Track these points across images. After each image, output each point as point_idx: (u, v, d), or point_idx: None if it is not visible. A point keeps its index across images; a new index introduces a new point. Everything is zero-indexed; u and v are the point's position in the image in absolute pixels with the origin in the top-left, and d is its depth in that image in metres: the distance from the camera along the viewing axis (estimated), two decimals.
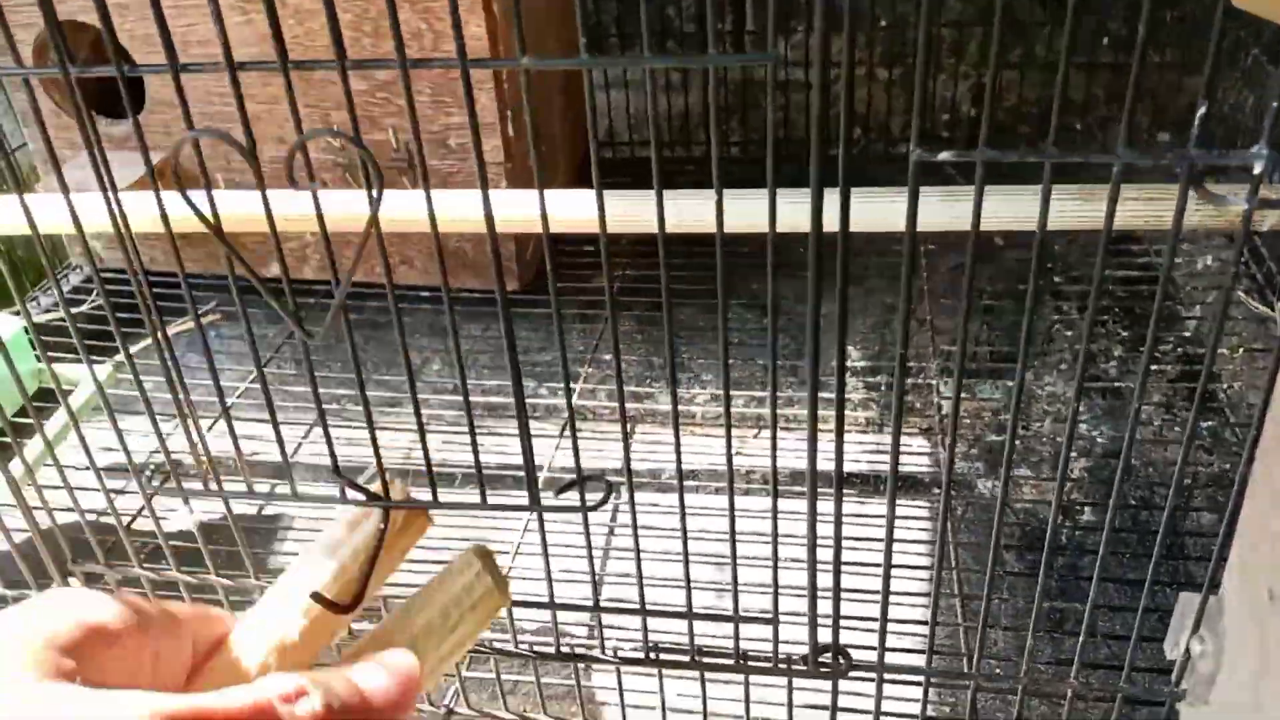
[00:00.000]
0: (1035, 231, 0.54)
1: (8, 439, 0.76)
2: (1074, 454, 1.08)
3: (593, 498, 0.67)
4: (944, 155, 0.53)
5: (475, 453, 0.65)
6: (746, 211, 0.79)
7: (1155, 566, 0.66)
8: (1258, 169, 0.50)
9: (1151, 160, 0.54)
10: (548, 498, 0.67)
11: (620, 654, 0.73)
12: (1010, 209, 0.83)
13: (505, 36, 1.24)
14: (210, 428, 0.80)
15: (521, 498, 0.68)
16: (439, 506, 0.68)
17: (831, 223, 0.54)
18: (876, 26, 1.65)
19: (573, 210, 0.95)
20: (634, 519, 0.66)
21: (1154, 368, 1.18)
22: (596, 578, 0.67)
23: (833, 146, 0.51)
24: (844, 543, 0.76)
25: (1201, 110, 0.50)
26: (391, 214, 1.02)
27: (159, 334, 0.64)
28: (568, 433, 1.18)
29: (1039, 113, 1.71)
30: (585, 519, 0.68)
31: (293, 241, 1.36)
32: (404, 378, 1.26)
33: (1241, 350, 1.17)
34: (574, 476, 0.66)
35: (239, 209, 0.61)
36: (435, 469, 1.15)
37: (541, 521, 0.69)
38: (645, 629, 0.70)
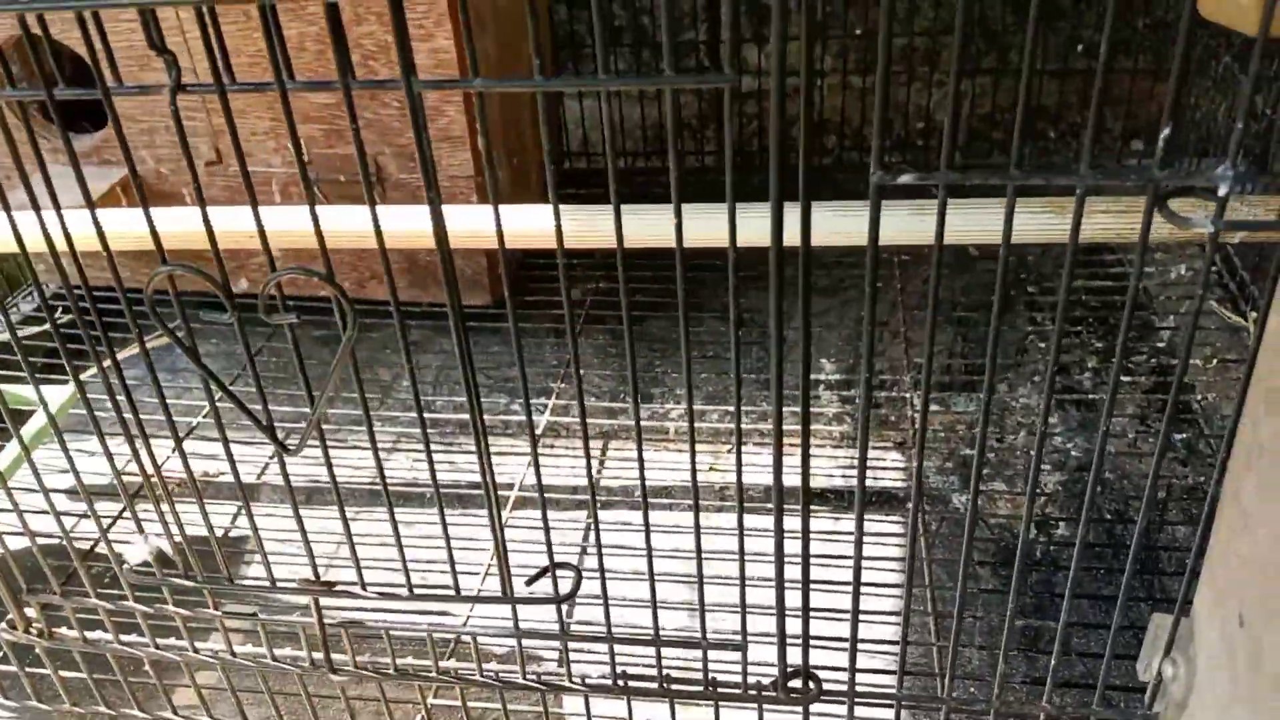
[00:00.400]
0: (1007, 244, 0.54)
1: None
2: (1048, 467, 1.07)
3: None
4: (905, 178, 0.52)
5: (448, 547, 0.64)
6: (708, 227, 0.78)
7: (1129, 582, 0.65)
8: (1223, 190, 0.49)
9: (1115, 180, 0.53)
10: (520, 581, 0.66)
11: (588, 681, 0.72)
12: (977, 222, 0.82)
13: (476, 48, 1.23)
14: (176, 448, 0.78)
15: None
16: (417, 598, 0.67)
17: (793, 238, 0.53)
18: (851, 34, 1.65)
19: (536, 225, 0.94)
20: (599, 548, 0.65)
21: (1128, 379, 1.17)
22: (564, 603, 0.66)
23: (804, 157, 0.50)
24: (818, 560, 0.75)
25: (1165, 132, 0.50)
26: (355, 229, 1.01)
27: (101, 362, 0.62)
28: (541, 450, 1.17)
29: (1014, 120, 1.71)
30: (559, 610, 0.67)
31: (260, 257, 1.35)
32: (375, 395, 1.24)
33: (1215, 360, 1.17)
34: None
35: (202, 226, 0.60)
36: (406, 489, 1.13)
37: (515, 611, 0.68)
38: (613, 656, 0.69)
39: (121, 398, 0.63)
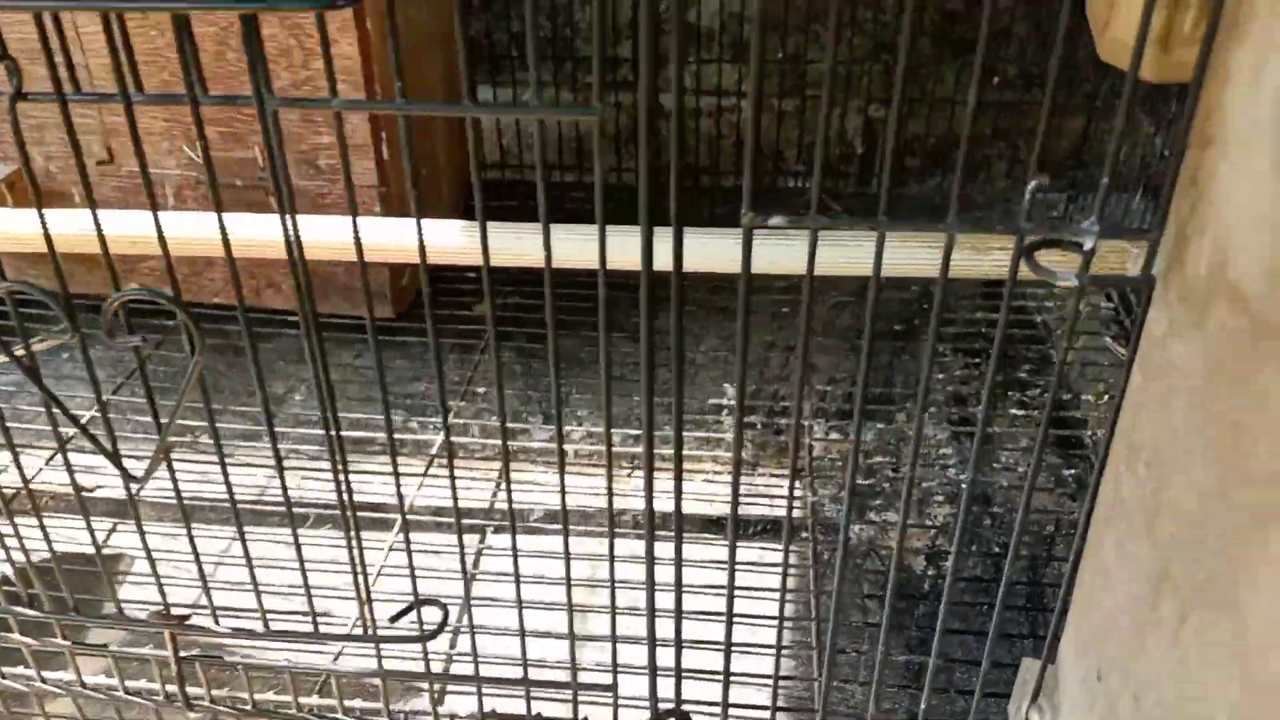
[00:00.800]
0: (916, 273, 0.53)
1: None
2: (940, 499, 1.07)
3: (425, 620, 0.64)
4: (775, 220, 0.52)
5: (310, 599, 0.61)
6: (584, 250, 0.76)
7: (1007, 620, 0.65)
8: (1088, 245, 0.49)
9: (982, 232, 0.53)
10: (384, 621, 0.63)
11: None
12: (852, 256, 0.82)
13: (380, 56, 1.20)
14: (50, 460, 0.74)
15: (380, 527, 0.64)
16: (274, 636, 0.64)
17: (664, 263, 0.52)
18: (772, 59, 1.65)
19: (437, 240, 0.92)
20: (466, 582, 0.63)
21: (1021, 413, 1.18)
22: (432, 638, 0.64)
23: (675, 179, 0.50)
24: (708, 590, 0.73)
25: (1032, 184, 0.49)
26: (252, 238, 0.97)
27: None
28: (435, 470, 1.14)
29: (928, 149, 1.73)
30: (425, 649, 0.65)
31: (152, 261, 1.30)
32: (263, 409, 1.20)
33: (1108, 397, 1.18)
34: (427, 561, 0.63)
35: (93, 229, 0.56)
36: (292, 509, 1.09)
37: (378, 649, 0.65)
38: (480, 697, 0.67)
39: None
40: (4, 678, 0.73)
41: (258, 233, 0.96)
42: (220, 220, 0.52)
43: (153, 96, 0.50)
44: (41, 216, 0.54)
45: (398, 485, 0.60)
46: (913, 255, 0.88)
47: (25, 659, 0.72)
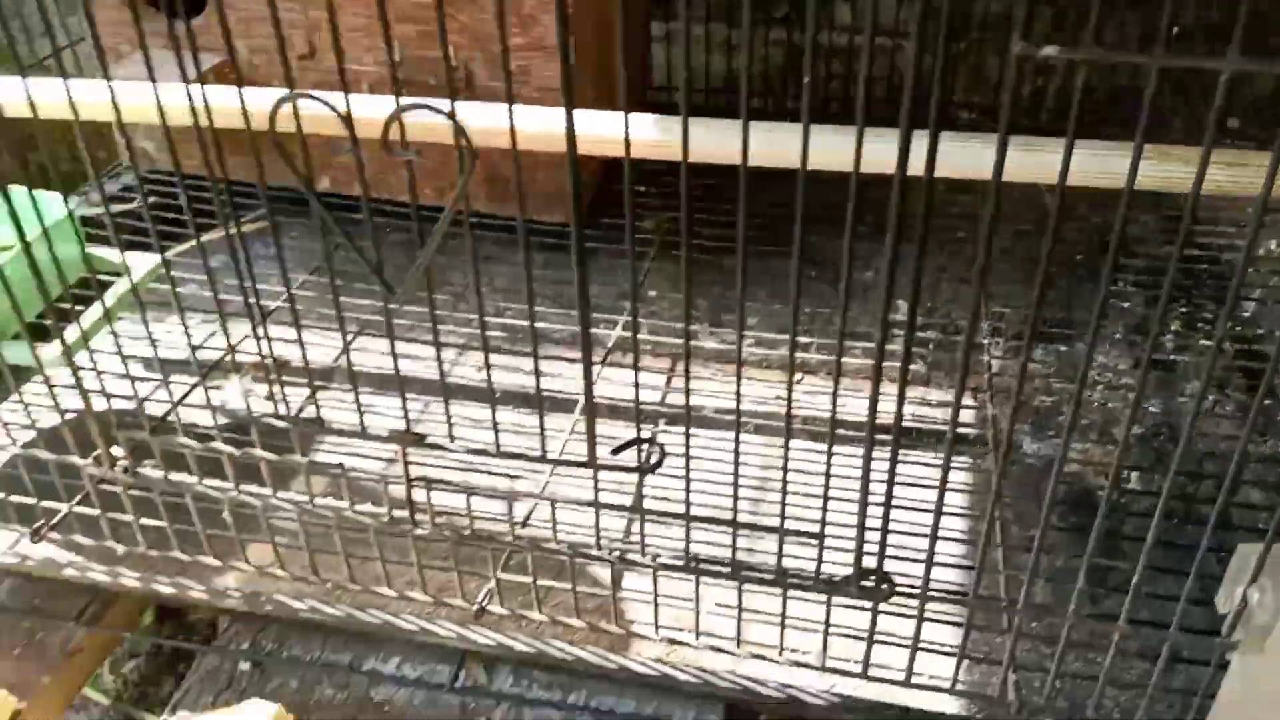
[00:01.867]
0: (1108, 199, 0.53)
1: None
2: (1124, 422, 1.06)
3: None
4: (1047, 50, 0.52)
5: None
6: (832, 146, 0.77)
7: (1209, 529, 0.65)
8: None
9: (1266, 68, 0.52)
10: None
11: (659, 559, 0.72)
12: (1095, 164, 0.81)
13: None
14: (262, 320, 0.79)
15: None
16: (501, 456, 0.68)
17: (916, 167, 0.53)
18: None
19: (618, 131, 0.93)
20: (688, 415, 0.66)
21: (1208, 343, 1.15)
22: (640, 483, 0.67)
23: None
24: (881, 485, 0.74)
25: None
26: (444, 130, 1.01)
27: (203, 233, 0.63)
28: (610, 360, 1.17)
29: (1098, 100, 1.68)
30: (640, 480, 0.68)
31: (344, 156, 1.36)
32: (448, 297, 1.24)
33: None
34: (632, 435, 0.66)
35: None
36: (478, 385, 1.13)
37: (596, 477, 0.68)
38: (688, 535, 0.70)
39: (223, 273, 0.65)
40: (240, 491, 0.78)
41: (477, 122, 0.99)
42: (510, 106, 0.55)
43: None
44: (287, 65, 0.57)
45: (634, 301, 0.62)
46: (1104, 164, 0.86)
47: (261, 478, 0.78)
